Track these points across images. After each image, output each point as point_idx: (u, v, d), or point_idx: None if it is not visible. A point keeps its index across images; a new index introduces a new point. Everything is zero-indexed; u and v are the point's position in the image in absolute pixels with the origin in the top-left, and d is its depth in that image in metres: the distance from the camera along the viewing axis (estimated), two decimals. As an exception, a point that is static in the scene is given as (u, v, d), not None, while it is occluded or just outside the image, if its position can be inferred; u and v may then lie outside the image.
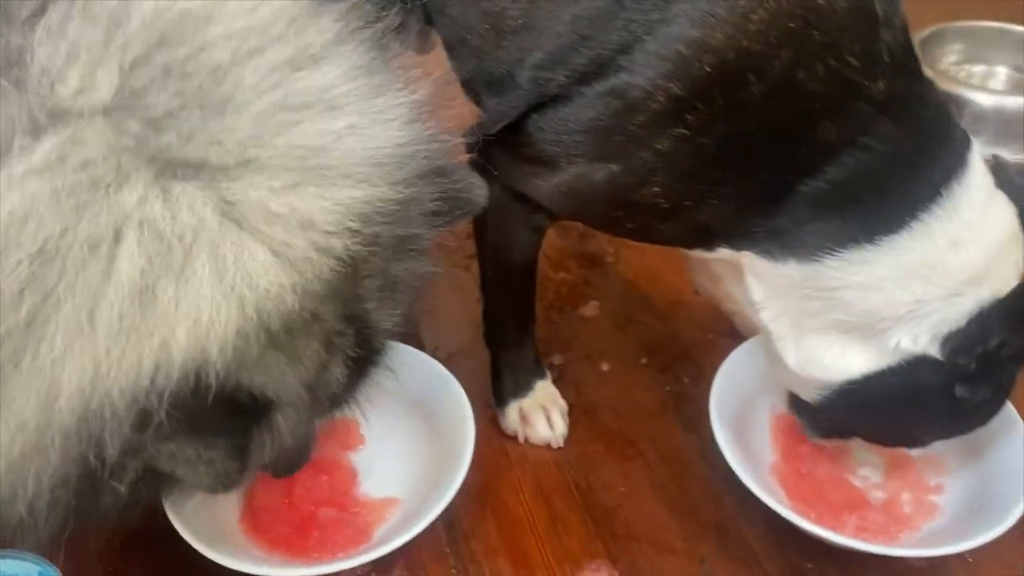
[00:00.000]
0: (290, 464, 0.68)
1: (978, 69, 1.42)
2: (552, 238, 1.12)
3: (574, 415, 0.89)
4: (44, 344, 0.41)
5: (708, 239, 0.68)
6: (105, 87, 0.44)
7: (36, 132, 0.42)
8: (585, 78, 0.62)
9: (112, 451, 0.43)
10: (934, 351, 0.63)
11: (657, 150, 0.62)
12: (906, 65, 0.62)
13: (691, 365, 0.94)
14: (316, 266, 0.48)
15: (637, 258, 1.08)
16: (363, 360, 0.56)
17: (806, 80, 0.59)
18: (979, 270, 0.62)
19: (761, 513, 0.75)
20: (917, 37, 1.38)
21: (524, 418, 0.86)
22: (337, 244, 0.48)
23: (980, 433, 0.78)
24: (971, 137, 0.65)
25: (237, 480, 0.48)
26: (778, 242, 0.64)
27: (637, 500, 0.82)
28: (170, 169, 0.44)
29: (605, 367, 0.95)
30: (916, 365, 0.64)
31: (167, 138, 0.44)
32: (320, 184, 0.48)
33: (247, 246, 0.45)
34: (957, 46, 1.41)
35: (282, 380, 0.49)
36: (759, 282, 0.68)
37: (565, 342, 0.98)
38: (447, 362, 0.87)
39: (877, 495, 0.78)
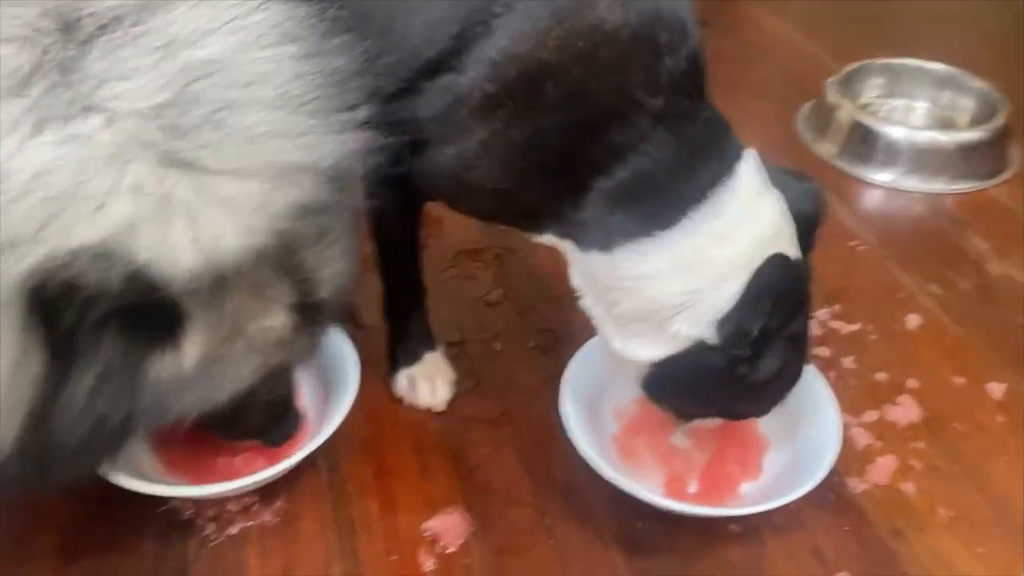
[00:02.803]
0: (278, 426, 0.83)
1: (899, 103, 1.52)
2: (474, 233, 1.24)
3: (463, 386, 1.00)
4: None
5: (533, 223, 0.80)
6: (141, 101, 0.57)
7: (73, 116, 0.55)
8: (426, 75, 0.74)
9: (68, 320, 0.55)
10: (710, 336, 0.73)
11: (480, 139, 0.74)
12: (683, 87, 0.72)
13: (575, 350, 1.04)
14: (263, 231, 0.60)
15: (547, 254, 1.18)
16: (309, 307, 0.68)
17: (595, 91, 0.70)
18: (744, 259, 0.72)
19: (606, 480, 0.86)
20: (842, 71, 1.50)
21: (411, 384, 0.97)
22: (281, 225, 0.61)
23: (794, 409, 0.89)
24: (745, 151, 0.75)
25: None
26: (585, 234, 0.76)
27: (500, 460, 0.93)
28: (170, 160, 0.58)
29: (497, 347, 1.06)
30: (697, 350, 0.74)
31: (178, 143, 0.58)
32: (276, 183, 0.61)
33: (209, 220, 0.58)
34: (879, 80, 1.51)
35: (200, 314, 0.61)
36: (577, 269, 0.80)
37: (467, 323, 1.09)
38: (370, 332, 1.01)
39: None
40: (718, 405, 0.81)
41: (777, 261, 0.73)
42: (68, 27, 0.58)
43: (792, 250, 0.76)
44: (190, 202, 0.57)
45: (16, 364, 0.58)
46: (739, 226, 0.74)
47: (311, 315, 0.70)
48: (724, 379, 0.75)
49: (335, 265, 0.70)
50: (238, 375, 0.69)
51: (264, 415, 0.80)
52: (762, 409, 0.84)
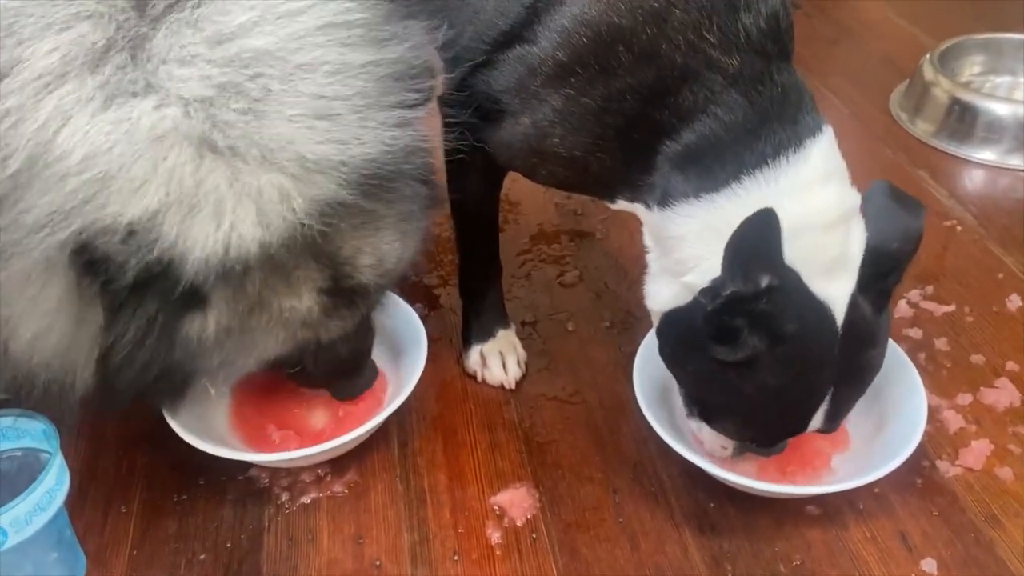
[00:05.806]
0: (346, 382, 0.84)
1: (1003, 80, 1.44)
2: (550, 215, 1.24)
3: (535, 365, 1.00)
4: None
5: (606, 190, 0.79)
6: (192, 89, 0.60)
7: (136, 94, 0.59)
8: (500, 47, 0.75)
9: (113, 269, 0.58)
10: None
11: (553, 107, 0.73)
12: (761, 46, 0.69)
13: (649, 330, 1.02)
14: (286, 225, 0.62)
15: (624, 236, 1.18)
16: (343, 291, 0.70)
17: (668, 51, 0.68)
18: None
19: (678, 458, 0.84)
20: (939, 48, 1.43)
21: (483, 360, 0.97)
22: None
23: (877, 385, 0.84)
24: (825, 128, 0.71)
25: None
26: (652, 195, 0.74)
27: (570, 438, 0.92)
28: (208, 147, 0.60)
29: (571, 326, 1.05)
30: (693, 306, 0.70)
31: (217, 133, 0.60)
32: (301, 178, 0.62)
33: (232, 211, 0.60)
34: (979, 57, 1.43)
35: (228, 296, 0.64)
36: (647, 229, 0.78)
37: (541, 304, 1.09)
38: (443, 312, 1.05)
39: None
40: (698, 379, 0.76)
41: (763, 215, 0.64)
42: (141, 3, 0.60)
43: (854, 260, 0.70)
44: (220, 191, 0.60)
45: (78, 320, 0.62)
46: (785, 200, 0.67)
47: (345, 298, 0.71)
48: (700, 345, 0.70)
49: (379, 252, 0.70)
50: (264, 345, 0.71)
51: (335, 369, 0.82)
52: (726, 413, 0.76)
